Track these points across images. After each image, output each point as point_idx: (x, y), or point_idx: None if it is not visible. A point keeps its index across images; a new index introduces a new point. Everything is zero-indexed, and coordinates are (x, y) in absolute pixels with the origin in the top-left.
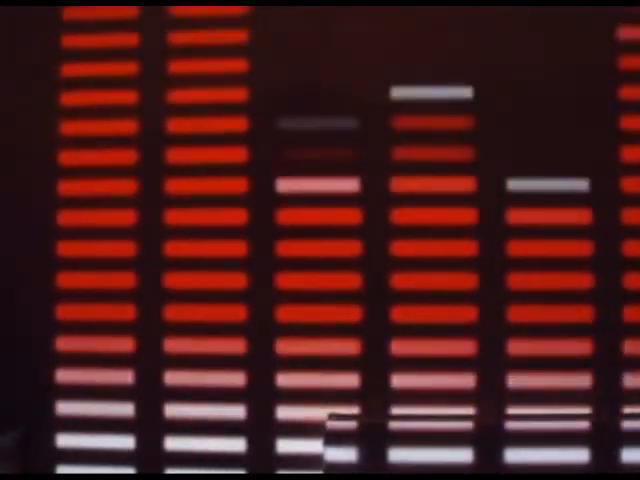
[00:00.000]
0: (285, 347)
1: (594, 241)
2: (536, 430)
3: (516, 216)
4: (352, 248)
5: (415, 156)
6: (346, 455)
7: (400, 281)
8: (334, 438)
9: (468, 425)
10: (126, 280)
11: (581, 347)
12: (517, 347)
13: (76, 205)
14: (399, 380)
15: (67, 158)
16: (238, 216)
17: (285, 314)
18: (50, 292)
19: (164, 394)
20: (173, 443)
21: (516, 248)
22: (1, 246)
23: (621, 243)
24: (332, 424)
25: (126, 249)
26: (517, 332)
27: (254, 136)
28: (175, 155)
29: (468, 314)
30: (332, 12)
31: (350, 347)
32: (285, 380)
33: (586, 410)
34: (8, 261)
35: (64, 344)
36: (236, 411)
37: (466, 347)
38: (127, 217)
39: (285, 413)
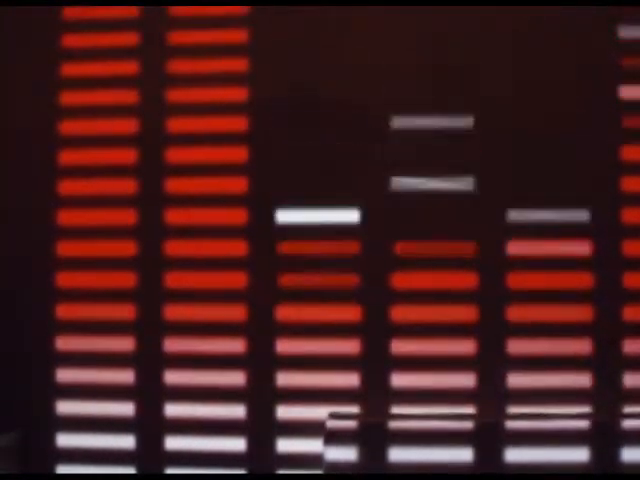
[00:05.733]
0: (285, 347)
1: (594, 241)
2: (536, 430)
3: (516, 216)
4: (352, 248)
5: (413, 156)
6: (346, 455)
7: (400, 281)
8: (334, 438)
9: (468, 424)
10: (126, 280)
11: (581, 347)
12: (517, 347)
13: (76, 205)
14: (399, 380)
15: (67, 158)
16: (238, 216)
17: (285, 314)
18: (50, 292)
19: (164, 394)
20: (173, 443)
21: (516, 248)
22: (1, 246)
23: (621, 243)
24: (332, 424)
25: (126, 249)
26: (517, 332)
27: (254, 135)
28: (175, 155)
29: (468, 314)
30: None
31: (350, 347)
32: (285, 380)
33: (586, 410)
34: (8, 261)
35: (64, 344)
36: (236, 411)
37: (466, 347)
38: (127, 217)
39: (285, 413)
